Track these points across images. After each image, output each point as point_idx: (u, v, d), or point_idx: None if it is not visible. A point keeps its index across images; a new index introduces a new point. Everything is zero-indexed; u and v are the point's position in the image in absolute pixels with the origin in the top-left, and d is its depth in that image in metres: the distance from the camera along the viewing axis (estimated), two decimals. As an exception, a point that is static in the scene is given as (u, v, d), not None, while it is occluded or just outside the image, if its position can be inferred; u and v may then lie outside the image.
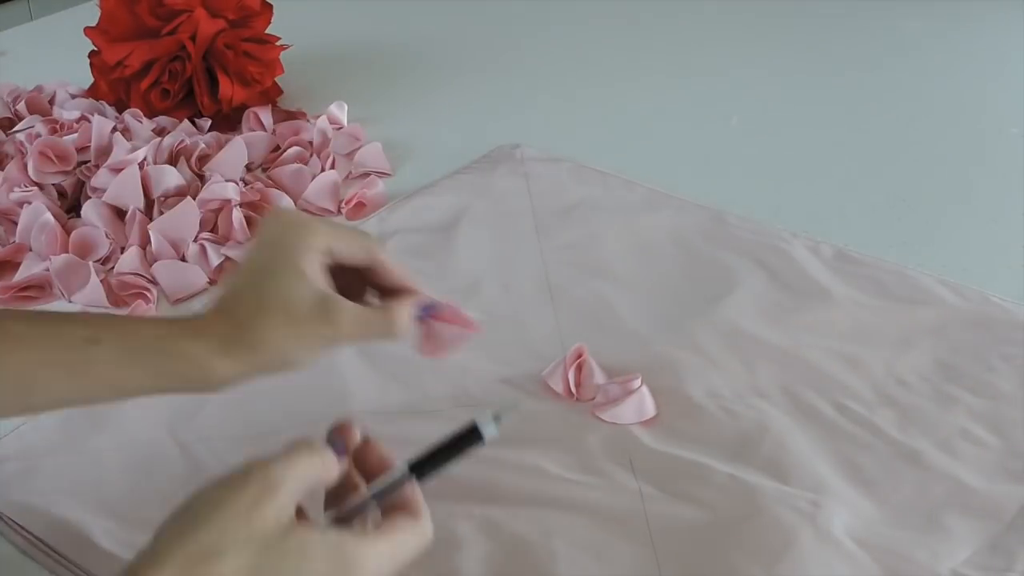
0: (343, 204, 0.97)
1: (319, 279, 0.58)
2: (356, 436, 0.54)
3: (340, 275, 0.60)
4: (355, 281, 0.61)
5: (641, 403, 0.72)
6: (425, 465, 0.54)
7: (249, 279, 0.58)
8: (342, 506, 0.53)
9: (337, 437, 0.54)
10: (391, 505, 0.53)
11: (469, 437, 0.55)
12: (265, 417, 0.74)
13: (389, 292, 0.61)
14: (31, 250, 0.90)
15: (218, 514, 0.46)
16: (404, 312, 0.59)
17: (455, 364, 0.77)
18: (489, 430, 0.55)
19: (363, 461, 0.54)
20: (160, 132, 1.05)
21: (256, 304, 0.57)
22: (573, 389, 0.74)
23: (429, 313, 0.61)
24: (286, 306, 0.57)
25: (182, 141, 1.00)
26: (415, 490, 0.53)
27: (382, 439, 0.71)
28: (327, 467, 0.51)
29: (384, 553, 0.50)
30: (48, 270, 0.87)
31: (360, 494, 0.53)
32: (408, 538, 0.52)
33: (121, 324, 0.58)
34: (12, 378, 0.56)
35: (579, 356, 0.75)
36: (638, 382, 0.73)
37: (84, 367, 0.57)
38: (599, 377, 0.75)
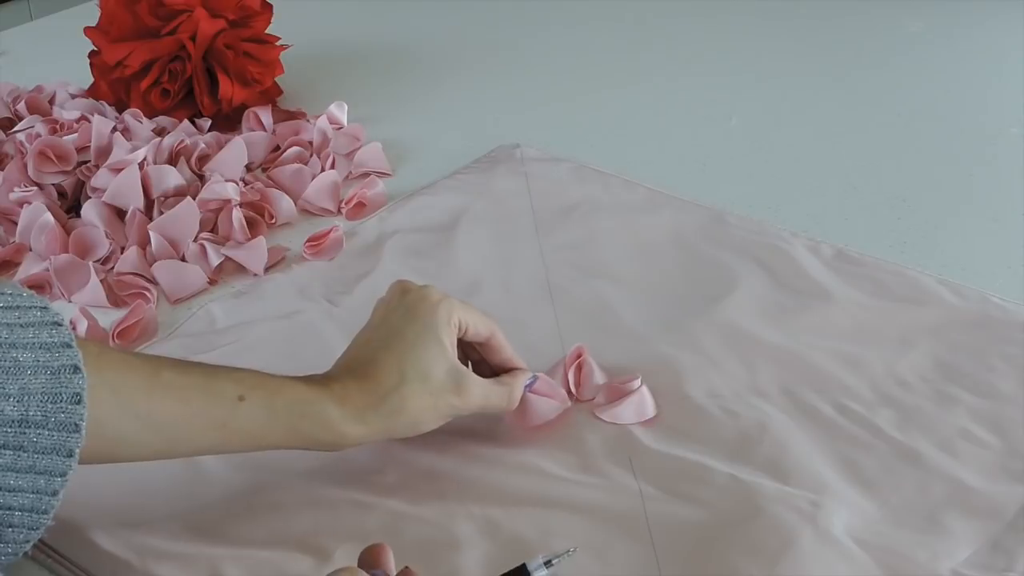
0: (343, 204, 0.97)
1: (453, 352, 0.66)
2: (391, 561, 0.55)
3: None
4: (463, 351, 0.69)
5: (641, 403, 0.72)
6: None
7: (389, 347, 0.65)
8: None
9: (375, 564, 0.55)
10: None
11: None
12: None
13: (499, 367, 0.70)
14: (31, 250, 0.90)
15: None
16: (520, 387, 0.69)
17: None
18: (539, 573, 0.57)
19: None
20: (160, 132, 1.05)
21: (399, 375, 0.64)
22: (573, 389, 0.74)
23: (530, 388, 0.70)
24: (426, 378, 0.64)
25: (182, 141, 1.00)
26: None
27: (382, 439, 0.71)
28: None
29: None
30: (48, 270, 0.87)
31: None
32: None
33: (266, 383, 0.63)
34: (161, 427, 0.60)
35: (579, 356, 0.75)
36: (638, 382, 0.73)
37: (229, 423, 0.62)
38: (599, 377, 0.75)
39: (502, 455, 0.69)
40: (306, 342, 0.80)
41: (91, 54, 1.11)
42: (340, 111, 1.11)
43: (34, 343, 0.56)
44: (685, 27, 1.36)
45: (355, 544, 0.56)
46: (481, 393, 0.66)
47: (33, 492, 0.56)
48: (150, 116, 1.07)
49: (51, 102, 1.12)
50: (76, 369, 0.56)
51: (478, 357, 0.71)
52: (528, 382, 0.70)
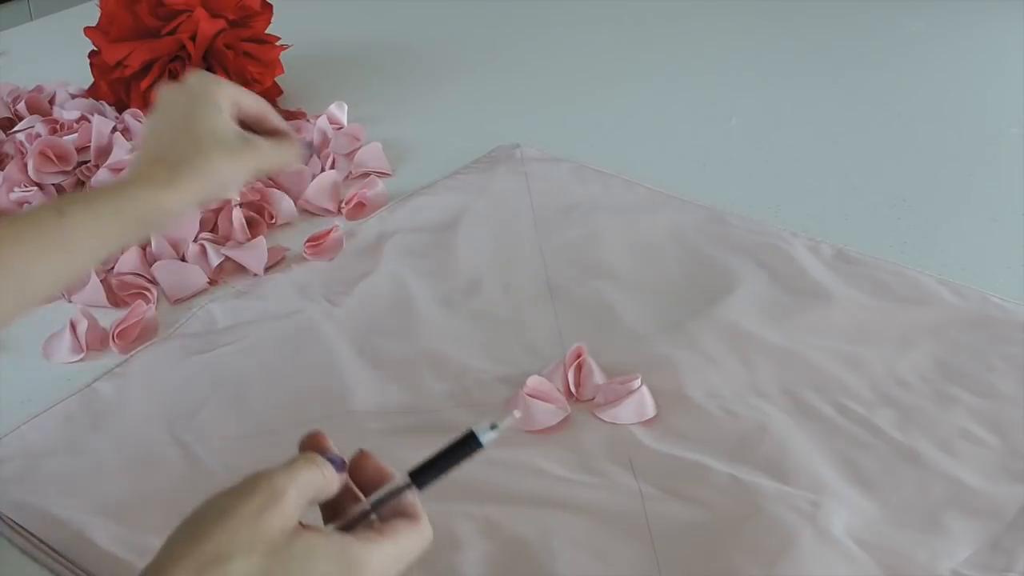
0: (343, 204, 0.97)
1: (232, 120, 0.69)
2: (330, 445, 0.54)
3: None
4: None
5: (641, 403, 0.72)
6: (423, 473, 0.54)
7: (173, 128, 0.68)
8: (343, 517, 0.53)
9: (318, 450, 0.54)
10: (390, 512, 0.53)
11: (467, 445, 0.55)
12: (264, 417, 0.74)
13: (274, 135, 0.73)
14: (31, 250, 0.90)
15: (225, 521, 0.47)
16: (295, 141, 0.73)
17: (455, 364, 0.78)
18: (487, 437, 0.55)
19: (360, 474, 0.54)
20: (160, 132, 1.05)
21: (192, 142, 0.67)
22: (573, 389, 0.74)
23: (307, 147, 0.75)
24: (219, 139, 0.68)
25: (182, 141, 1.00)
26: (414, 496, 0.53)
27: (383, 437, 0.71)
28: (328, 479, 0.51)
29: (388, 554, 0.50)
30: (48, 270, 0.87)
31: (360, 505, 0.53)
32: (410, 539, 0.52)
33: (79, 196, 0.66)
34: (8, 277, 0.62)
35: (578, 356, 0.75)
36: (638, 382, 0.73)
37: (61, 240, 0.64)
38: (599, 377, 0.75)
39: (502, 455, 0.69)
40: (306, 342, 0.80)
41: (91, 54, 1.11)
42: (340, 111, 1.11)
43: None
44: (685, 27, 1.36)
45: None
46: (271, 149, 0.70)
47: None
48: (150, 116, 1.07)
49: (51, 102, 1.12)
50: None
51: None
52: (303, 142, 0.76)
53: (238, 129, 0.69)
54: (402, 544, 0.52)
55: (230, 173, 0.68)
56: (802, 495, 0.65)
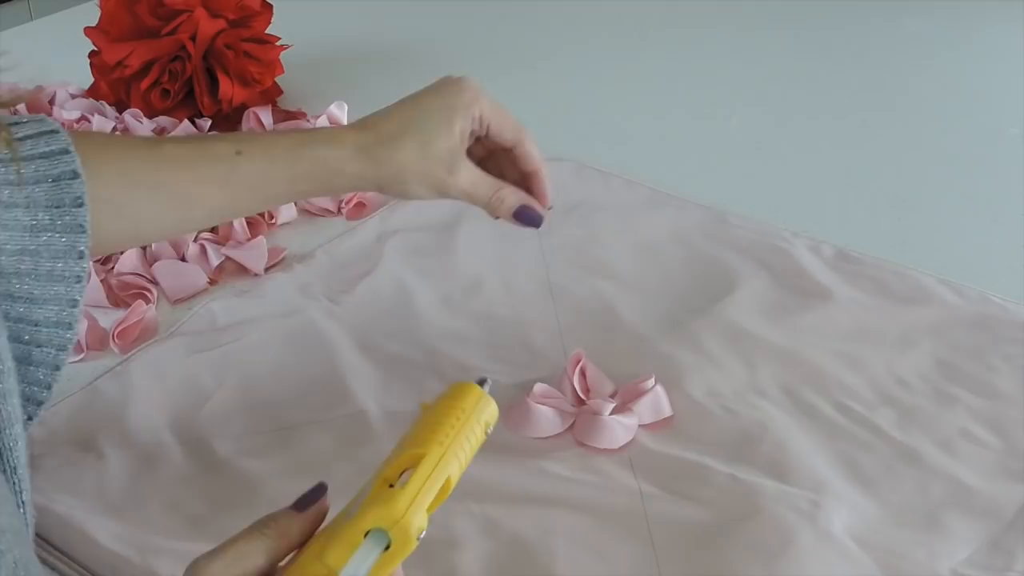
0: (343, 204, 0.97)
1: (460, 138, 0.68)
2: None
3: (480, 145, 0.71)
4: (503, 160, 0.72)
5: (657, 402, 0.72)
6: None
7: (403, 110, 0.69)
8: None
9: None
10: None
11: None
12: (266, 415, 0.74)
13: (520, 180, 0.72)
14: (31, 250, 0.90)
15: None
16: (511, 197, 0.70)
17: (455, 363, 0.78)
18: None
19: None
20: (160, 132, 1.05)
21: (400, 128, 0.68)
22: (582, 395, 0.73)
23: (521, 212, 0.70)
24: (423, 140, 0.67)
25: (182, 141, 1.00)
26: None
27: (383, 436, 0.72)
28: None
29: None
30: (48, 270, 0.87)
31: None
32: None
33: (262, 137, 0.68)
34: (173, 196, 0.66)
35: (578, 362, 0.74)
36: (652, 381, 0.72)
37: (232, 178, 0.66)
38: (606, 382, 0.74)
39: (502, 454, 0.69)
40: (307, 341, 0.80)
41: (91, 54, 1.11)
42: (340, 111, 1.11)
43: (33, 153, 0.60)
44: (685, 27, 1.36)
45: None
46: (470, 180, 0.69)
47: (55, 303, 0.59)
48: (150, 116, 1.07)
49: (51, 102, 1.12)
50: (75, 174, 0.60)
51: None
52: (523, 207, 0.71)
53: (455, 146, 0.68)
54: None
55: (415, 178, 0.68)
56: (802, 495, 0.65)
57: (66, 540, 0.64)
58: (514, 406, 0.72)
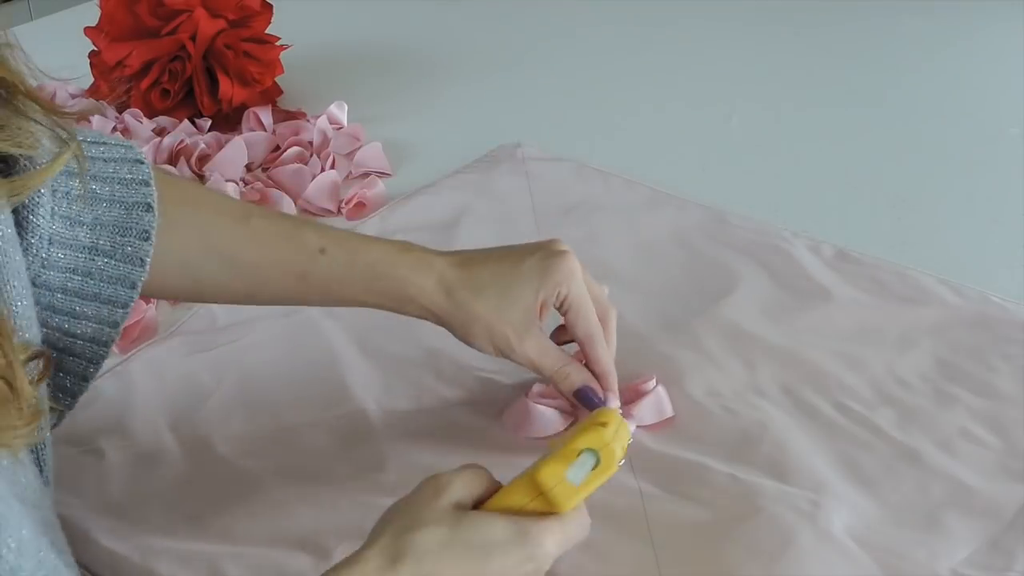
0: (343, 204, 0.97)
1: (539, 308, 0.67)
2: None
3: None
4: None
5: (658, 403, 0.71)
6: None
7: (500, 262, 0.68)
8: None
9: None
10: None
11: None
12: (266, 414, 0.74)
13: (590, 361, 0.69)
14: (31, 250, 0.90)
15: (408, 505, 0.54)
16: (575, 375, 0.68)
17: (455, 363, 0.77)
18: None
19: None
20: (160, 132, 1.05)
21: (490, 279, 0.67)
22: None
23: (585, 395, 0.69)
24: (506, 299, 0.67)
25: (182, 141, 1.00)
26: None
27: (383, 436, 0.72)
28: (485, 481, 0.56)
29: (559, 534, 0.55)
30: (48, 270, 0.87)
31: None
32: (575, 522, 0.56)
33: (350, 239, 0.68)
34: (246, 275, 0.65)
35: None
36: (653, 382, 0.72)
37: (308, 275, 0.66)
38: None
39: (502, 454, 0.68)
40: (307, 340, 0.80)
41: (91, 54, 1.11)
42: (340, 111, 1.11)
43: (113, 177, 0.60)
44: (685, 27, 1.36)
45: (355, 543, 0.56)
46: (537, 350, 0.68)
47: (96, 322, 0.59)
48: (150, 116, 1.07)
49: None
50: (149, 207, 0.60)
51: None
52: (585, 388, 0.69)
53: (531, 313, 0.67)
54: (569, 529, 0.56)
55: (482, 331, 0.67)
56: (802, 495, 0.65)
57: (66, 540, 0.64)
58: (513, 406, 0.72)
